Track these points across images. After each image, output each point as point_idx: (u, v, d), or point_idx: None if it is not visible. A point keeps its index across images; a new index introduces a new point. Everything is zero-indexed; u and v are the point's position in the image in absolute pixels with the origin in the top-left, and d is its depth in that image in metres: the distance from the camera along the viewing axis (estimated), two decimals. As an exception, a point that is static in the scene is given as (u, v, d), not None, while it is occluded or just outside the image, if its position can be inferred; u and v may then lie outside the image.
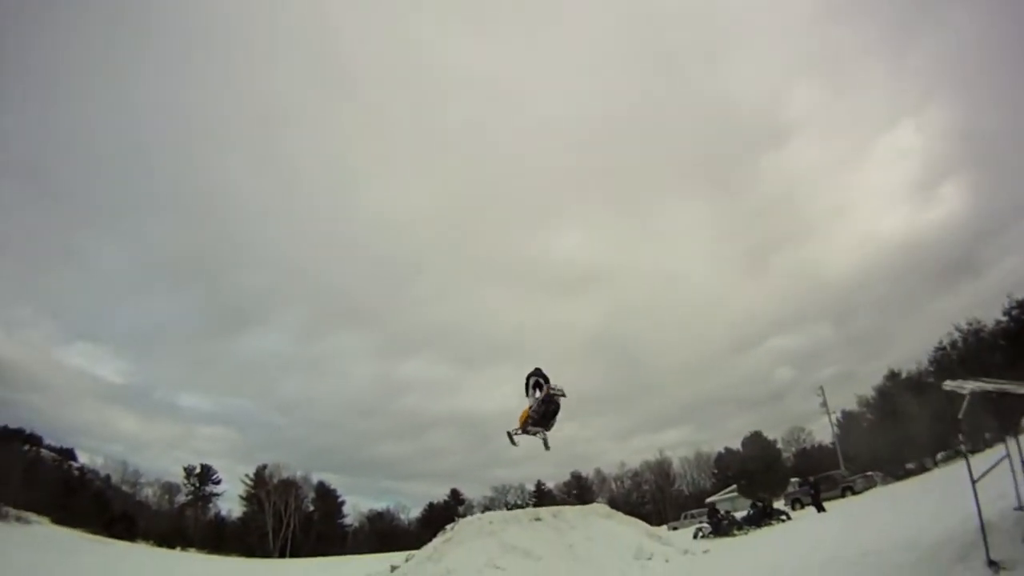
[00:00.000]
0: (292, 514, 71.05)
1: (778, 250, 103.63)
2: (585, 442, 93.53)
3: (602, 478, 72.95)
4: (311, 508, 76.83)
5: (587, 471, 74.09)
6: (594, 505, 26.13)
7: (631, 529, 21.89)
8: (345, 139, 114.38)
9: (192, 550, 64.59)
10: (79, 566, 32.96)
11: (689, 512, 49.90)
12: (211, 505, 79.98)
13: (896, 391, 42.17)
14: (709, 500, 46.79)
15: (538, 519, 21.57)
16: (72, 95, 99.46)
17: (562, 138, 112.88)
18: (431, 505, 75.87)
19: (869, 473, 37.98)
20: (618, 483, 71.55)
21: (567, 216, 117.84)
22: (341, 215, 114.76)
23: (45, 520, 54.89)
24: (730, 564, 16.69)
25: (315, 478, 78.19)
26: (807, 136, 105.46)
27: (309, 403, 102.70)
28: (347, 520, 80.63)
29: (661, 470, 70.54)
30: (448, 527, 25.48)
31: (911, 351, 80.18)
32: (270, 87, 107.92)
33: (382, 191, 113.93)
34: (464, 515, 27.53)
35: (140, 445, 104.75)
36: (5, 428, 62.04)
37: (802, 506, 34.49)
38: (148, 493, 78.47)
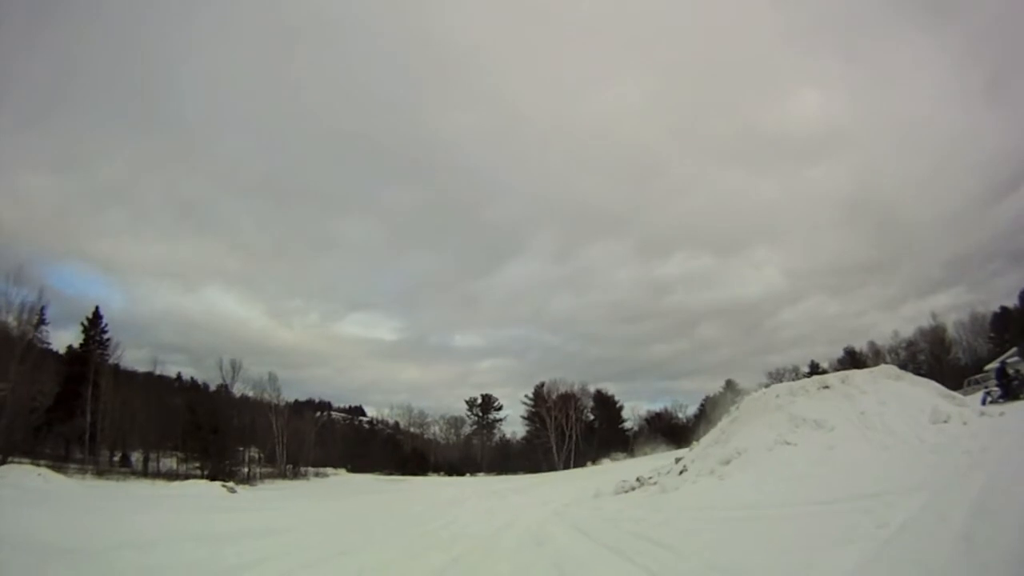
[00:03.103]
0: (573, 425, 74.67)
1: (1019, 74, 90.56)
2: (854, 316, 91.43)
3: (876, 350, 68.01)
4: (591, 417, 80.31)
5: (860, 345, 70.96)
6: (883, 367, 23.13)
7: (924, 390, 19.10)
8: (554, 57, 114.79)
9: (481, 474, 71.72)
10: (370, 498, 37.70)
11: (972, 378, 45.00)
12: (495, 431, 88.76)
13: None
14: (989, 367, 41.14)
15: (826, 387, 19.63)
16: (291, 102, 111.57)
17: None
18: (707, 399, 75.49)
19: None
20: (893, 355, 65.85)
21: (796, 79, 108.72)
22: (569, 130, 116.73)
23: (342, 471, 64.29)
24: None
25: (592, 388, 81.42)
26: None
27: (578, 318, 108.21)
28: (627, 424, 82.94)
29: (935, 336, 65.12)
30: (732, 407, 24.40)
31: None
32: (459, 26, 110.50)
33: (603, 96, 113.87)
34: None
35: (423, 389, 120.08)
36: (296, 402, 73.15)
37: None
38: (435, 431, 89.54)
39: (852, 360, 65.62)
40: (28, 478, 30.02)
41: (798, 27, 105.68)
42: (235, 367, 59.17)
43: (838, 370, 61.24)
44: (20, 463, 34.60)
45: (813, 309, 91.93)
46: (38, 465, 35.66)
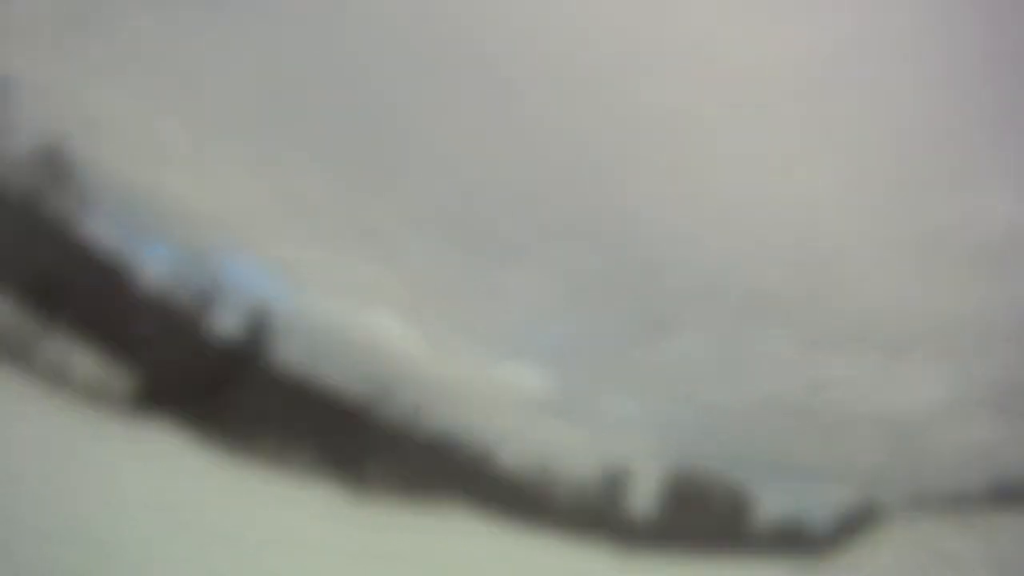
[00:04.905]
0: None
1: None
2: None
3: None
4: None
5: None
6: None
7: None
8: (747, 129, 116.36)
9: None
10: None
11: None
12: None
13: None
14: None
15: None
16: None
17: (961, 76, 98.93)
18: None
19: None
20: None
21: (988, 172, 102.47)
22: (751, 207, 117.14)
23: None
24: None
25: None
26: None
27: (727, 406, 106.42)
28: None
29: None
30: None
31: None
32: (657, 94, 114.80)
33: (792, 176, 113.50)
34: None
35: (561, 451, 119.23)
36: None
37: None
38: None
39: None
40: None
41: (992, 111, 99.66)
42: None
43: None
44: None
45: (978, 432, 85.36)
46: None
